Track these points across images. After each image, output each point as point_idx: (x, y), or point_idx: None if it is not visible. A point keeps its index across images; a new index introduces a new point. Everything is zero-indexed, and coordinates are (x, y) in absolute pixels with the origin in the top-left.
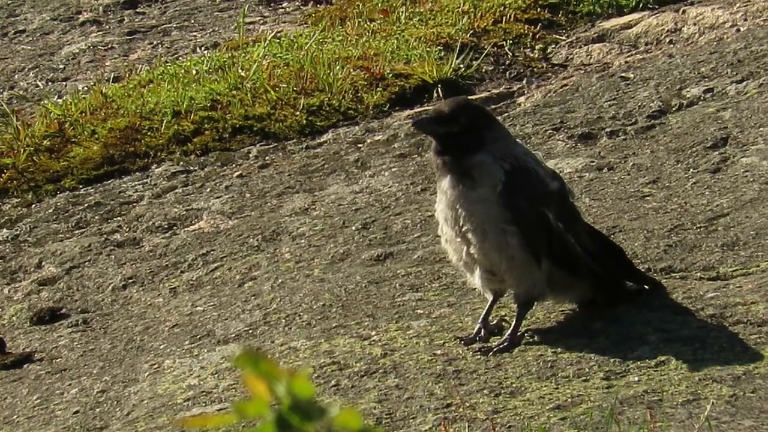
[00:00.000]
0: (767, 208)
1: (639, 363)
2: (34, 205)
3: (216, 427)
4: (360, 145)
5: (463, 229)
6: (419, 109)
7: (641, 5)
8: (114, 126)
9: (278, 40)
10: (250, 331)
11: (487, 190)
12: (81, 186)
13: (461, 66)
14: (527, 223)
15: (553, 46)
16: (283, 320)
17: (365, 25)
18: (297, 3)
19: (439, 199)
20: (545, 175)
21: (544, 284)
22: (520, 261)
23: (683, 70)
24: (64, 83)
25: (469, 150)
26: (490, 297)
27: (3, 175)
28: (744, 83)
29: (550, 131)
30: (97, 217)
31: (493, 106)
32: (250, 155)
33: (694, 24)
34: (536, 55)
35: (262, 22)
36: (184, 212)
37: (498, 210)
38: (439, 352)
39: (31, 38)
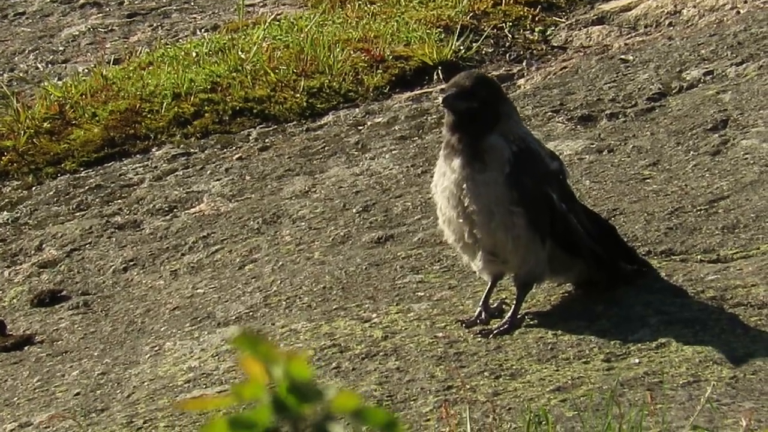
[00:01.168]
0: (767, 190)
1: (639, 345)
2: (34, 188)
3: (215, 409)
4: (360, 128)
5: (468, 210)
6: (419, 92)
7: None
8: (114, 108)
9: (278, 23)
10: (251, 314)
11: (495, 173)
12: (81, 168)
13: (461, 48)
14: (533, 204)
15: (553, 28)
16: (284, 302)
17: (365, 8)
18: None
19: (439, 177)
20: (545, 155)
21: (546, 264)
22: (525, 240)
23: (683, 53)
24: (64, 65)
25: (484, 128)
26: (488, 279)
27: (3, 157)
28: (744, 65)
29: (549, 113)
30: (97, 200)
31: None
32: (251, 137)
33: (694, 6)
34: (536, 38)
35: (262, 4)
36: (185, 195)
37: (505, 191)
38: (440, 334)
39: (30, 20)
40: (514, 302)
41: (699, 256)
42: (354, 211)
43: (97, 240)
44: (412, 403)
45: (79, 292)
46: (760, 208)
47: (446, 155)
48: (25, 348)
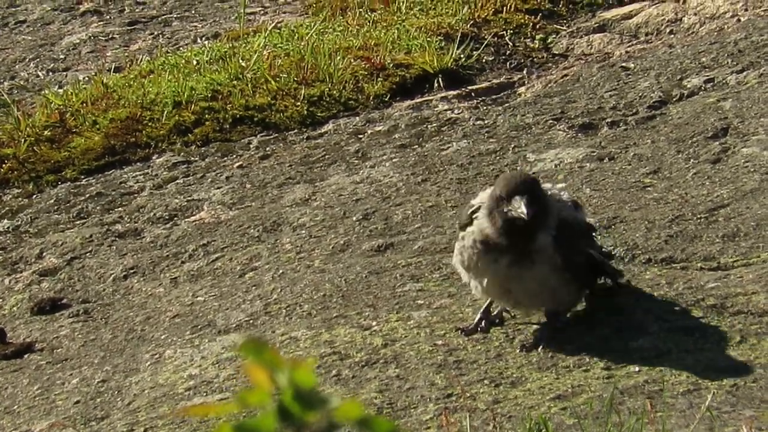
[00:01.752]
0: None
1: (640, 353)
2: (35, 196)
3: (217, 416)
4: (360, 136)
5: (512, 294)
6: (420, 99)
7: None
8: (115, 116)
9: (279, 31)
10: (251, 321)
11: (544, 267)
12: (82, 176)
13: (462, 56)
14: (579, 270)
15: (554, 36)
16: (284, 310)
17: (366, 15)
18: None
19: (480, 268)
20: (572, 210)
21: (576, 300)
22: (562, 294)
23: (684, 60)
24: (64, 73)
25: (535, 229)
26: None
27: (4, 165)
28: (744, 73)
29: (550, 121)
30: (98, 208)
31: (493, 96)
32: (251, 146)
33: (695, 14)
34: (537, 45)
35: (262, 12)
36: (185, 203)
37: (554, 279)
38: (439, 342)
39: (31, 29)
40: (546, 326)
41: (699, 264)
42: (354, 219)
43: (97, 248)
44: (412, 410)
45: (80, 299)
46: (761, 216)
47: (485, 251)
48: (25, 356)
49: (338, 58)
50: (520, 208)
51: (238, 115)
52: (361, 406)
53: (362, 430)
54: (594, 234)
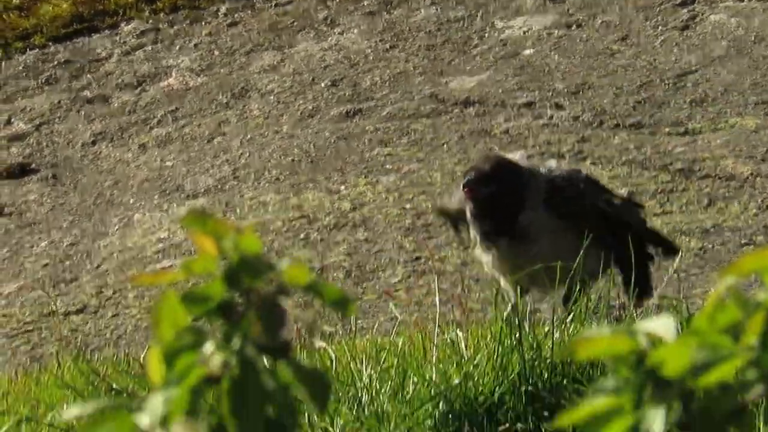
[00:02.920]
0: (735, 64)
1: None
2: (3, 63)
3: (170, 283)
4: (329, 3)
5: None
6: None
7: None
8: None
9: None
10: (219, 186)
11: (543, 240)
12: (50, 43)
13: None
14: (589, 225)
15: None
16: (252, 175)
17: None
18: None
19: (482, 251)
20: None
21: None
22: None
23: None
24: None
25: (511, 210)
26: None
27: None
28: None
29: None
30: (66, 74)
31: None
32: (219, 13)
33: None
34: None
35: None
36: (153, 69)
37: (563, 245)
38: (408, 206)
39: None
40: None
41: (667, 129)
42: (322, 85)
43: (66, 114)
44: (380, 273)
45: (48, 164)
46: (728, 81)
47: (485, 238)
48: None
49: None
50: (463, 180)
51: None
52: (309, 271)
53: (310, 296)
54: (602, 187)
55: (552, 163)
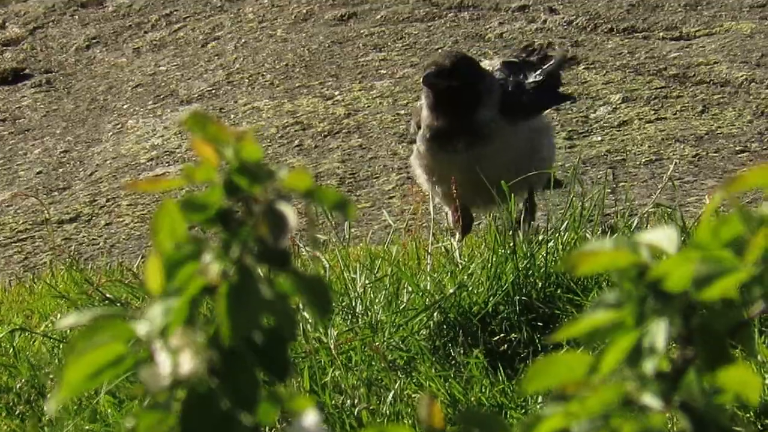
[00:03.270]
0: None
1: (601, 123)
2: None
3: (167, 190)
4: None
5: (481, 182)
6: None
7: None
8: None
9: None
10: (213, 91)
11: (505, 138)
12: None
13: None
14: (542, 96)
15: None
16: (246, 80)
17: None
18: None
19: (440, 164)
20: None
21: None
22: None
23: None
24: None
25: (469, 106)
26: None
27: None
28: None
29: None
30: None
31: None
32: None
33: None
34: None
35: None
36: None
37: (526, 142)
38: (402, 112)
39: None
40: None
41: (661, 33)
42: None
43: (59, 18)
44: (374, 180)
45: (42, 70)
46: None
47: (440, 144)
48: None
49: None
50: (423, 73)
51: None
52: (309, 177)
53: (309, 201)
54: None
55: (496, 62)
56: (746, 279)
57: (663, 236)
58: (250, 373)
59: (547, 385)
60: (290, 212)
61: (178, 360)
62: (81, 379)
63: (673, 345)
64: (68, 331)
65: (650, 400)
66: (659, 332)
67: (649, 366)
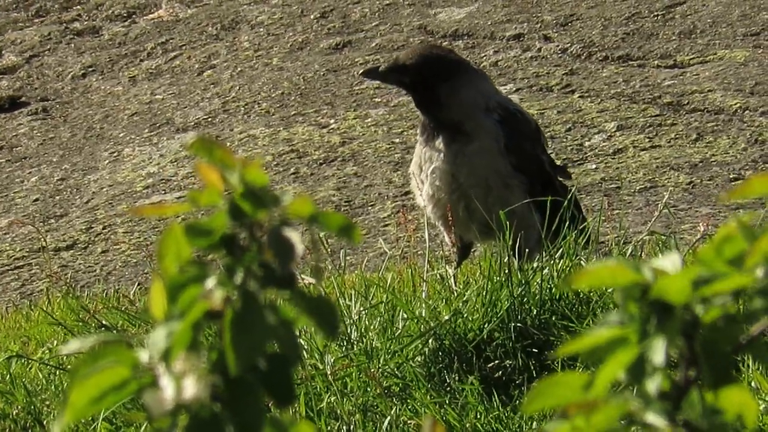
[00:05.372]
0: None
1: (596, 151)
2: None
3: (173, 215)
4: None
5: (463, 186)
6: None
7: None
8: None
9: None
10: (209, 119)
11: (485, 142)
12: None
13: None
14: (531, 171)
15: None
16: (242, 108)
17: None
18: None
19: (424, 161)
20: (525, 112)
21: (539, 237)
22: (520, 213)
23: None
24: None
25: (431, 106)
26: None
27: None
28: None
29: None
30: (56, 6)
31: None
32: None
33: None
34: None
35: None
36: (143, 1)
37: (501, 161)
38: (397, 140)
39: None
40: None
41: (656, 62)
42: (312, 17)
43: (55, 46)
44: (370, 208)
45: (38, 98)
46: (717, 13)
47: (425, 137)
48: None
49: None
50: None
51: None
52: (313, 203)
53: (314, 227)
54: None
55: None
56: (747, 285)
57: (667, 262)
58: (255, 398)
59: (549, 406)
60: (296, 237)
61: (181, 384)
62: (86, 402)
63: (675, 363)
64: (65, 358)
65: (654, 418)
66: (659, 347)
67: (652, 385)
